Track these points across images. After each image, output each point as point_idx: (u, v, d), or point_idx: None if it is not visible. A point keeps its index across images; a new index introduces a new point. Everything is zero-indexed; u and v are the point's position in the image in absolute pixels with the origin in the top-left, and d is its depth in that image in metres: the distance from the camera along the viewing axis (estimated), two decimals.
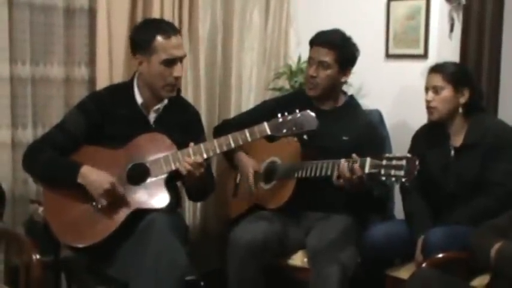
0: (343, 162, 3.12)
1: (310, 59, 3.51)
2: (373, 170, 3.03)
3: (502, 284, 2.79)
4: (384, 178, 2.99)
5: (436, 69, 3.35)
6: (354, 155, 3.11)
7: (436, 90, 3.30)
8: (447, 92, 3.29)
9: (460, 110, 3.32)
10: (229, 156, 3.59)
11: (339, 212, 3.44)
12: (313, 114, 3.09)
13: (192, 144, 3.09)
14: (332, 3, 4.38)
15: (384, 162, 2.99)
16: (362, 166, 3.06)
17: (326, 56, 3.44)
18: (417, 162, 2.92)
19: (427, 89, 3.35)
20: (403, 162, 2.93)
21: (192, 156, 3.05)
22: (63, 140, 3.14)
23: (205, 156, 3.07)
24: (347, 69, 3.50)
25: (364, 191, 3.20)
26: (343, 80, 3.52)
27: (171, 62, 3.12)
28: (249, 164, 3.51)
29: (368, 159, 3.05)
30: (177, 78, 3.18)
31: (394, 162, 2.96)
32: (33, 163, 3.14)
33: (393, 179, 2.97)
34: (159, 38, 3.10)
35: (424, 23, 4.00)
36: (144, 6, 3.81)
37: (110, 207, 3.02)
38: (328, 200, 3.43)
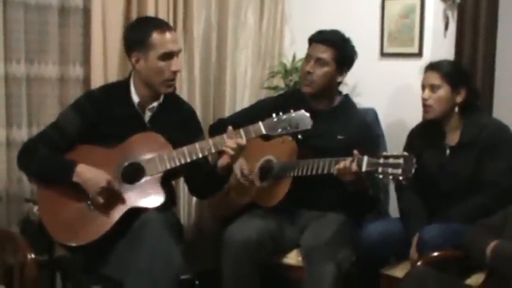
0: (341, 159, 3.12)
1: (308, 56, 3.51)
2: (370, 169, 3.04)
3: (498, 282, 2.80)
4: (381, 176, 3.00)
5: (433, 67, 3.34)
6: (355, 152, 3.11)
7: (433, 88, 3.30)
8: (444, 90, 3.29)
9: (456, 109, 3.33)
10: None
11: (334, 210, 3.43)
12: (307, 113, 3.09)
13: (230, 128, 3.10)
14: (327, 2, 4.38)
15: (381, 160, 2.99)
16: (359, 164, 3.06)
17: (324, 53, 3.44)
18: (414, 161, 2.92)
19: (423, 87, 3.35)
20: (401, 160, 2.94)
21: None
22: (57, 139, 3.14)
23: (200, 155, 3.08)
24: (344, 69, 3.50)
25: (364, 189, 3.21)
26: (338, 80, 3.52)
27: (168, 57, 3.12)
28: (235, 166, 3.44)
29: (365, 158, 3.06)
30: (175, 73, 3.18)
31: (391, 160, 2.96)
32: (27, 162, 3.14)
33: (390, 177, 2.98)
34: (155, 34, 3.11)
35: (419, 22, 4.00)
36: (139, 6, 3.81)
37: (104, 206, 3.01)
38: (323, 199, 3.43)
